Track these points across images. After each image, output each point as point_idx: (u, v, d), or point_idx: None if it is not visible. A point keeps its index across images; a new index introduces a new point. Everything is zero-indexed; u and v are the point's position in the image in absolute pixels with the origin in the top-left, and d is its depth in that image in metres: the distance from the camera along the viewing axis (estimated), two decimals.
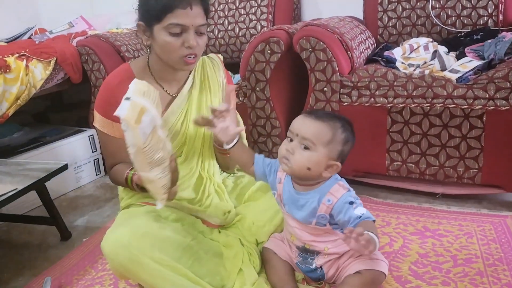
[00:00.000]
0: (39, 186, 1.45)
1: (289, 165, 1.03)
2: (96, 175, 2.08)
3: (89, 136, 2.04)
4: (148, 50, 1.20)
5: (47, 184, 1.49)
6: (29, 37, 2.17)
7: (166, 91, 1.22)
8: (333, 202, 1.02)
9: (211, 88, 1.27)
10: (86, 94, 2.04)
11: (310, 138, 1.01)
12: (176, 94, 1.23)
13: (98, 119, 1.18)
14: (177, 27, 1.08)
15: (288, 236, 1.15)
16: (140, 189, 1.11)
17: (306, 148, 1.01)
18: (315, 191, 1.05)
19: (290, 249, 1.15)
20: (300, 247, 1.11)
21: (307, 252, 1.11)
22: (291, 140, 1.04)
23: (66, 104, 2.64)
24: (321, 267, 1.10)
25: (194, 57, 1.13)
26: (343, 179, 1.08)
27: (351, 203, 1.00)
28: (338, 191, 1.03)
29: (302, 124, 1.03)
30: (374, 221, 0.99)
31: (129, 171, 1.12)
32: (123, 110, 0.92)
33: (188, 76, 1.25)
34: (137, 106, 0.92)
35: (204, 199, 1.24)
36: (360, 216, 0.97)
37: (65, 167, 1.52)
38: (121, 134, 1.11)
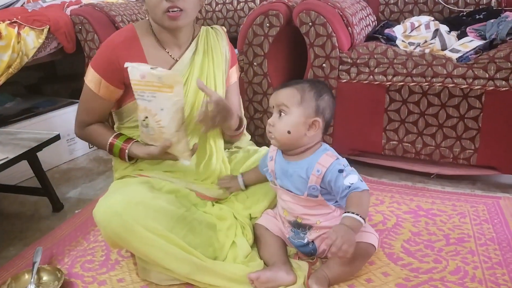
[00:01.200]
0: (30, 156, 1.44)
1: (273, 136, 1.07)
2: (90, 147, 2.06)
3: None
4: (147, 14, 1.18)
5: (40, 155, 1.48)
6: (22, 5, 2.11)
7: (169, 54, 1.20)
8: (322, 171, 1.02)
9: (214, 58, 1.24)
10: (80, 66, 2.00)
11: (282, 103, 1.05)
12: (178, 58, 1.21)
13: (91, 74, 1.17)
14: None
15: (280, 212, 1.15)
16: (129, 159, 1.18)
17: (282, 115, 1.06)
18: (303, 161, 1.06)
19: (283, 225, 1.15)
20: (292, 222, 1.11)
21: (299, 226, 1.10)
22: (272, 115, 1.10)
23: (59, 75, 2.60)
24: (313, 241, 1.10)
25: (179, 11, 1.08)
26: (332, 148, 1.08)
27: (341, 171, 1.00)
28: (326, 160, 1.03)
29: (275, 95, 1.08)
30: (367, 190, 0.99)
31: (116, 140, 1.17)
32: (178, 79, 1.06)
33: (191, 42, 1.22)
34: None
35: (208, 175, 1.24)
36: (350, 186, 0.98)
37: (57, 138, 1.50)
38: (105, 94, 1.17)
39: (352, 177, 0.99)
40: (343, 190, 0.99)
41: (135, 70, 1.07)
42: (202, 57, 1.22)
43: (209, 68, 1.23)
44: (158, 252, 1.01)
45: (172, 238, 1.02)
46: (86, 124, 1.23)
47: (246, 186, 1.24)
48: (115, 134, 1.20)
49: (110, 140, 1.18)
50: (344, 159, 1.06)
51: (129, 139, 1.19)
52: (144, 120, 1.11)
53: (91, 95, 1.18)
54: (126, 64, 1.08)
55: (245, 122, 1.41)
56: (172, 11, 1.08)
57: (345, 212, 0.96)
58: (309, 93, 1.05)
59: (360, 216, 0.94)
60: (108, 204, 1.01)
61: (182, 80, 1.11)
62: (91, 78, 1.17)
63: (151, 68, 1.06)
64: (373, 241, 1.07)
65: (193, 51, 1.22)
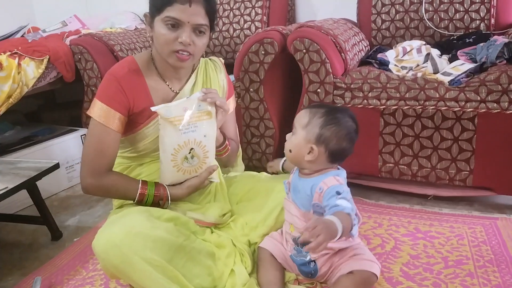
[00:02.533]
0: (30, 185, 1.44)
1: (284, 150, 1.12)
2: None
3: (81, 136, 2.03)
4: (151, 43, 1.20)
5: (39, 183, 1.48)
6: (22, 36, 2.16)
7: (169, 87, 1.23)
8: (324, 190, 1.03)
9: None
10: (79, 94, 2.03)
11: (295, 122, 1.09)
12: (178, 91, 1.23)
13: (98, 107, 1.14)
14: (173, 20, 1.09)
15: (287, 228, 1.15)
16: (158, 202, 1.19)
17: (293, 133, 1.09)
18: (311, 179, 1.07)
19: (286, 243, 1.15)
20: (296, 238, 1.11)
21: (303, 244, 1.10)
22: None
23: (58, 103, 2.63)
24: (315, 261, 1.10)
25: (188, 54, 1.12)
26: (344, 177, 1.08)
27: (338, 193, 1.00)
28: (331, 181, 1.04)
29: (298, 113, 1.12)
30: (349, 214, 0.95)
31: (146, 189, 1.17)
32: (204, 104, 1.15)
33: (191, 75, 1.26)
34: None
35: (204, 196, 1.27)
36: (338, 206, 0.96)
37: (56, 166, 1.51)
38: (115, 125, 1.15)
39: (345, 202, 0.97)
40: (332, 207, 0.97)
41: (166, 109, 1.12)
42: (201, 89, 1.25)
43: None
44: (155, 285, 1.00)
45: (170, 270, 1.02)
46: (101, 170, 1.16)
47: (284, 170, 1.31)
48: (141, 183, 1.18)
49: (139, 191, 1.17)
50: (348, 189, 1.04)
51: (157, 185, 1.19)
52: (189, 153, 1.16)
53: (102, 131, 1.14)
54: (154, 108, 1.11)
55: (240, 150, 1.44)
56: (181, 53, 1.12)
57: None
58: (317, 120, 1.05)
59: (341, 223, 0.90)
60: (107, 236, 1.01)
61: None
62: (99, 112, 1.14)
63: (186, 98, 1.15)
64: (375, 270, 1.07)
65: (192, 83, 1.26)
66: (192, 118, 1.14)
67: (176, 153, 1.15)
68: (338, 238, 0.90)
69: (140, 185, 1.17)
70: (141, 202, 1.18)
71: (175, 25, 1.09)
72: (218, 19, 2.26)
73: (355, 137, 1.07)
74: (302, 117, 1.07)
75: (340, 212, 0.94)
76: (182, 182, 1.21)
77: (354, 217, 0.97)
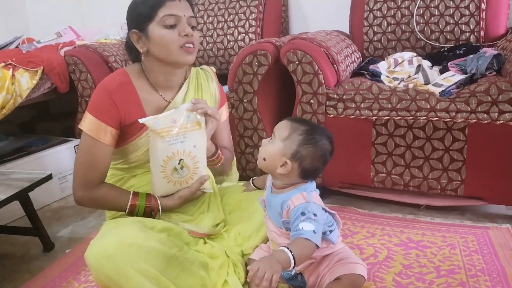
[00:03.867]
0: (22, 196, 1.44)
1: (258, 156, 1.11)
2: None
3: (74, 146, 2.03)
4: (142, 58, 1.21)
5: (31, 194, 1.47)
6: (17, 47, 2.16)
7: (162, 96, 1.23)
8: (290, 208, 1.03)
9: (203, 97, 1.29)
10: (73, 104, 2.04)
11: (275, 130, 1.09)
12: (171, 100, 1.24)
13: (88, 121, 1.15)
14: (171, 17, 1.13)
15: (270, 244, 1.16)
16: (150, 213, 1.19)
17: (271, 141, 1.08)
18: (281, 195, 1.08)
19: None
20: None
21: None
22: None
23: (52, 114, 2.63)
24: (301, 274, 1.11)
25: (192, 46, 1.16)
26: (314, 190, 1.08)
27: (303, 214, 1.00)
28: (298, 199, 1.04)
29: (280, 122, 1.11)
30: (312, 242, 0.95)
31: (137, 201, 1.18)
32: (193, 114, 1.16)
33: (183, 84, 1.27)
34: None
35: (198, 207, 1.27)
36: (299, 230, 0.96)
37: (49, 177, 1.51)
38: (106, 139, 1.13)
39: (307, 225, 0.97)
40: (293, 230, 0.99)
41: (155, 121, 1.13)
42: (193, 97, 1.26)
43: None
44: None
45: (164, 281, 1.02)
46: (92, 182, 1.17)
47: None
48: (131, 194, 1.19)
49: (130, 202, 1.17)
50: (316, 206, 1.03)
51: (148, 196, 1.20)
52: (179, 163, 1.16)
53: (92, 145, 1.15)
54: (141, 121, 1.12)
55: (234, 159, 1.45)
56: (188, 46, 1.15)
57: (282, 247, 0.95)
58: (297, 136, 1.05)
59: (293, 255, 0.91)
60: (100, 247, 1.00)
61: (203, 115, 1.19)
62: (90, 126, 1.15)
63: (175, 110, 1.16)
64: (361, 272, 1.07)
65: (184, 92, 1.27)
66: (181, 129, 1.15)
67: (165, 164, 1.16)
68: (293, 266, 0.91)
69: (131, 196, 1.18)
70: (132, 213, 1.18)
71: (173, 23, 1.13)
72: (203, 24, 2.29)
73: (329, 158, 1.07)
74: (282, 130, 1.06)
75: (298, 239, 0.95)
76: (173, 193, 1.22)
77: (315, 241, 0.96)
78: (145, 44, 1.16)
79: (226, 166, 1.38)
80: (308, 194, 1.05)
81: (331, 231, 1.07)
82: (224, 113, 1.37)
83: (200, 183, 1.21)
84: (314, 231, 0.96)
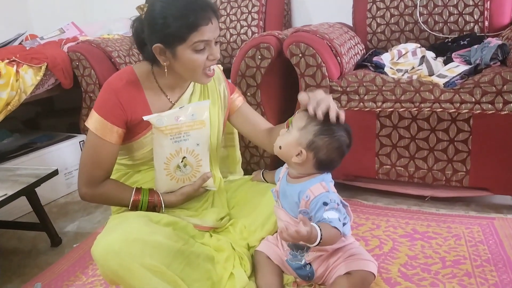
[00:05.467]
0: (29, 192, 1.45)
1: (274, 143, 1.13)
2: None
3: (80, 142, 2.04)
4: (153, 64, 1.19)
5: (38, 190, 1.49)
6: (20, 43, 2.16)
7: (168, 97, 1.23)
8: (310, 198, 1.04)
9: (210, 97, 1.29)
10: (77, 100, 2.04)
11: (292, 120, 1.10)
12: (177, 101, 1.24)
13: (94, 120, 1.15)
14: (203, 43, 1.09)
15: (279, 234, 1.16)
16: (153, 208, 1.20)
17: (288, 130, 1.10)
18: (299, 185, 1.08)
19: (282, 248, 1.16)
20: (291, 243, 1.12)
21: (297, 248, 1.12)
22: None
23: (56, 110, 2.64)
24: (310, 264, 1.11)
25: (214, 70, 1.17)
26: (330, 181, 1.09)
27: (325, 204, 1.01)
28: (317, 189, 1.05)
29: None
30: (338, 231, 0.97)
31: (139, 196, 1.19)
32: (206, 110, 1.19)
33: (189, 85, 1.27)
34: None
35: (202, 203, 1.27)
36: (325, 219, 0.98)
37: (55, 173, 1.52)
38: (111, 137, 1.13)
39: (332, 213, 0.99)
40: (319, 220, 0.99)
41: (158, 118, 1.14)
42: (198, 98, 1.27)
43: None
44: None
45: (170, 275, 1.02)
46: (97, 180, 1.18)
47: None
48: (134, 190, 1.20)
49: (132, 198, 1.19)
50: (336, 195, 1.05)
51: (151, 192, 1.21)
52: (182, 161, 1.17)
53: (98, 143, 1.15)
54: (146, 118, 1.13)
55: (239, 157, 1.51)
56: (210, 69, 1.15)
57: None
58: (314, 127, 1.05)
59: (321, 235, 0.93)
60: (106, 242, 1.01)
61: (207, 112, 1.20)
62: (95, 124, 1.15)
63: (179, 108, 1.16)
64: (372, 269, 1.08)
65: (190, 92, 1.27)
66: (184, 127, 1.16)
67: (168, 161, 1.17)
68: (316, 245, 0.93)
69: (133, 192, 1.19)
70: (135, 208, 1.19)
71: (203, 48, 1.10)
72: None
73: (345, 151, 1.07)
74: (299, 120, 1.07)
75: (326, 224, 0.96)
76: (176, 190, 1.23)
77: (342, 230, 0.98)
78: (169, 60, 1.13)
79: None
80: (326, 184, 1.06)
81: (344, 224, 1.07)
82: (238, 98, 1.37)
83: (202, 180, 1.22)
84: (339, 219, 0.98)
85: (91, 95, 1.95)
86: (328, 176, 1.10)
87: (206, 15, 1.08)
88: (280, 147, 1.10)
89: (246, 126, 1.36)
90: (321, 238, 0.92)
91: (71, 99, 2.29)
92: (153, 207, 1.20)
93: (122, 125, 1.16)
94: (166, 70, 1.14)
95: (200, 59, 1.11)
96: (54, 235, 1.54)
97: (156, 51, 1.12)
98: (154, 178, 1.23)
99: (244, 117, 1.35)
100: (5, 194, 1.33)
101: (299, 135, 1.06)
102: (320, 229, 0.93)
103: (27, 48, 1.96)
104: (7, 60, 1.75)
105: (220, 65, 1.38)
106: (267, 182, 1.36)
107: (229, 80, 1.77)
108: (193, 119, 1.17)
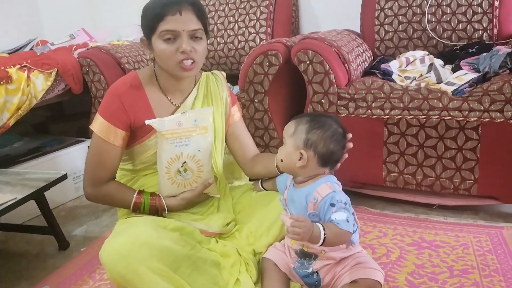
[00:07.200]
0: (38, 196, 1.46)
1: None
2: None
3: (88, 147, 2.05)
4: (152, 63, 1.23)
5: (46, 194, 1.50)
6: (31, 49, 2.19)
7: (170, 100, 1.24)
8: (318, 200, 1.04)
9: (214, 102, 1.30)
10: (87, 105, 2.06)
11: (283, 134, 1.12)
12: (179, 104, 1.25)
13: (99, 123, 1.19)
14: (168, 33, 1.12)
15: (287, 241, 1.16)
16: (155, 211, 1.21)
17: (284, 144, 1.12)
18: (305, 188, 1.09)
19: (290, 256, 1.16)
20: (298, 251, 1.12)
21: (305, 256, 1.11)
22: None
23: (66, 114, 2.66)
24: (317, 272, 1.11)
25: (192, 62, 1.16)
26: (335, 182, 1.10)
27: (332, 205, 1.02)
28: (324, 190, 1.05)
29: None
30: (346, 231, 0.99)
31: (142, 198, 1.20)
32: (210, 116, 1.20)
33: (193, 88, 1.28)
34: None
35: (207, 208, 1.28)
36: (333, 221, 0.99)
37: (64, 177, 1.53)
38: (120, 142, 1.15)
39: (340, 214, 0.99)
40: (327, 221, 1.01)
41: (160, 122, 1.15)
42: (202, 102, 1.28)
43: None
44: None
45: (177, 279, 1.03)
46: (101, 181, 1.21)
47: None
48: (137, 192, 1.22)
49: (134, 199, 1.20)
50: (343, 194, 1.06)
51: (153, 195, 1.22)
52: (182, 166, 1.17)
53: (102, 145, 1.19)
54: (148, 122, 1.14)
55: None
56: (185, 63, 1.15)
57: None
58: (303, 126, 1.08)
59: (324, 235, 0.96)
60: (114, 247, 1.02)
61: (211, 118, 1.21)
62: (100, 127, 1.18)
63: (182, 113, 1.17)
64: (379, 278, 1.07)
65: (194, 96, 1.28)
66: (185, 132, 1.16)
67: (169, 165, 1.18)
68: (321, 245, 0.97)
69: (135, 194, 1.21)
70: (137, 210, 1.21)
71: (172, 37, 1.13)
72: (214, 25, 2.29)
73: (341, 139, 1.09)
74: (288, 128, 1.11)
75: (332, 224, 0.98)
76: (177, 194, 1.23)
77: (351, 229, 0.99)
78: (152, 53, 1.19)
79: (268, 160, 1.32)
80: (332, 184, 1.07)
81: (354, 230, 1.07)
82: (236, 113, 1.38)
83: (204, 186, 1.22)
84: (347, 220, 0.99)
85: (100, 100, 1.97)
86: (333, 178, 1.11)
87: (175, 7, 1.12)
88: (282, 160, 1.11)
89: (235, 144, 1.36)
90: (325, 237, 0.94)
91: (81, 104, 2.32)
92: (156, 210, 1.21)
93: (126, 128, 1.19)
94: (153, 64, 1.21)
95: (168, 49, 1.13)
96: (62, 239, 1.55)
97: (143, 44, 1.20)
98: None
99: (236, 135, 1.36)
100: (15, 198, 1.35)
101: (294, 140, 1.08)
102: (324, 228, 0.94)
103: (38, 54, 1.98)
104: (19, 66, 1.77)
105: (223, 72, 1.39)
106: (267, 191, 1.35)
107: (236, 87, 1.80)
108: (195, 124, 1.17)
